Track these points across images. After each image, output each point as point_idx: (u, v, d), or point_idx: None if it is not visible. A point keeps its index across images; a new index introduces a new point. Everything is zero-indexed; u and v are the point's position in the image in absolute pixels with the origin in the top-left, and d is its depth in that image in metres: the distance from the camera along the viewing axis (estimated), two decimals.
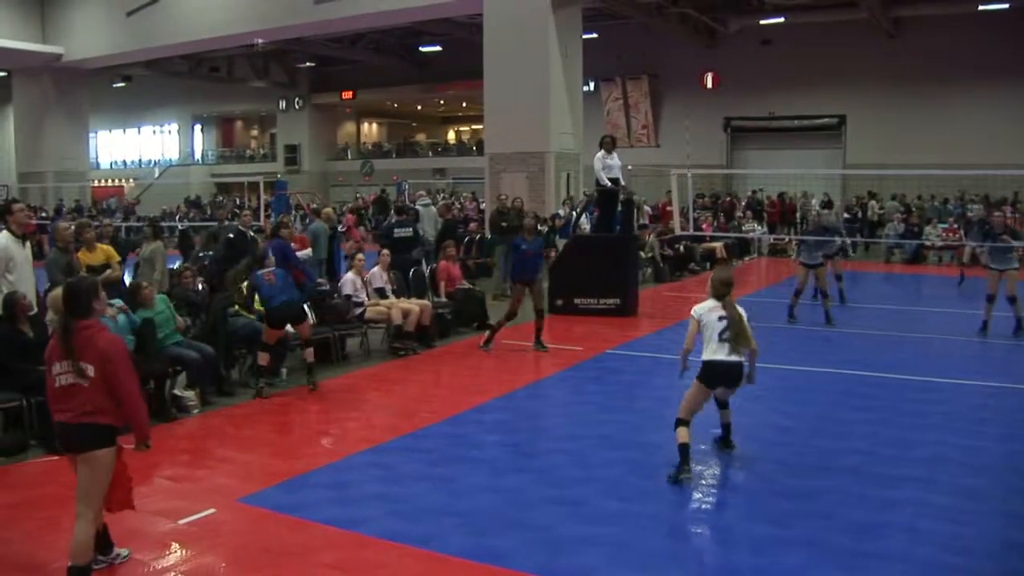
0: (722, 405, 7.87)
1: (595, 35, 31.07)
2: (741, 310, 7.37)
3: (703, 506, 6.76)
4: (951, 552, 5.82)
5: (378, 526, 6.17)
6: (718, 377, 7.33)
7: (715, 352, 7.26)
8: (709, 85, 34.58)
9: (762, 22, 31.99)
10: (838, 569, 5.56)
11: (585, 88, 27.50)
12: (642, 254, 19.57)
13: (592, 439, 8.29)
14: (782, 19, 31.31)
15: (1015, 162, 26.81)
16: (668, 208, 22.20)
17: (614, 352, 12.43)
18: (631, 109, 36.72)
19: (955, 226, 25.58)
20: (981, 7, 29.03)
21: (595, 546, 5.86)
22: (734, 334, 7.20)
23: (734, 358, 7.25)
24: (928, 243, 24.46)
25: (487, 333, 12.83)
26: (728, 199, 31.29)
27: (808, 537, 6.02)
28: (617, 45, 34.31)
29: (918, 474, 7.28)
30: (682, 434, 7.21)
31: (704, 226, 24.60)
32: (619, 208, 15.83)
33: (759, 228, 28.09)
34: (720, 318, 7.31)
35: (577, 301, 15.32)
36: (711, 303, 7.39)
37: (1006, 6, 28.71)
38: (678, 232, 19.58)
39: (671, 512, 6.56)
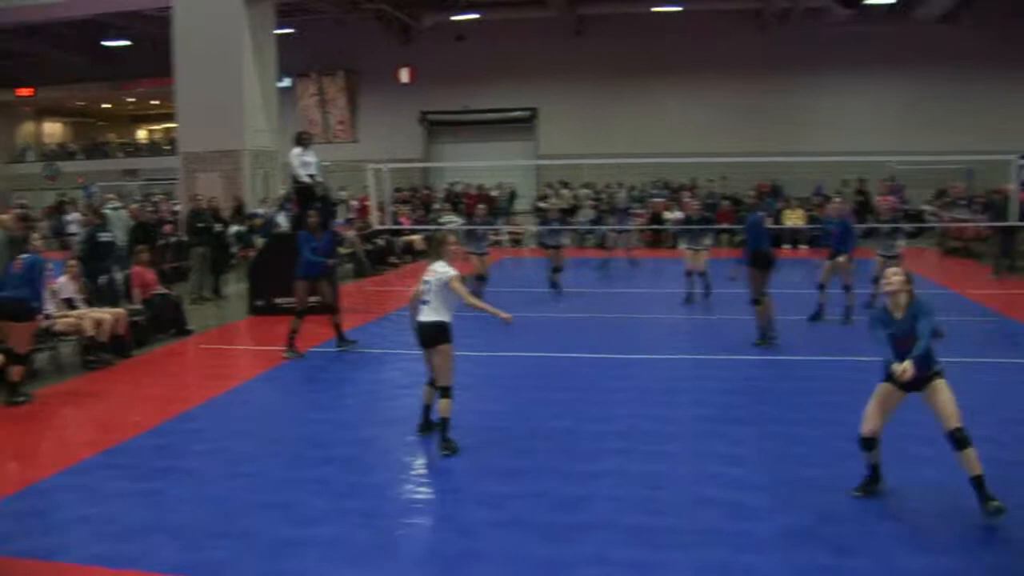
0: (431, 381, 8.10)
1: (290, 30, 30.65)
2: (448, 271, 7.77)
3: (416, 496, 6.93)
4: (649, 513, 6.37)
5: (82, 552, 5.87)
6: (418, 338, 7.86)
7: (416, 315, 7.84)
8: (405, 80, 35.02)
9: (455, 18, 32.82)
10: (550, 542, 5.92)
11: (280, 84, 27.02)
12: (342, 250, 19.61)
13: (301, 439, 8.29)
14: (475, 15, 32.28)
15: (695, 150, 29.22)
16: (367, 203, 22.36)
17: (319, 350, 12.39)
18: (328, 105, 36.48)
19: (642, 211, 27.62)
20: (654, 9, 31.57)
21: (310, 547, 5.89)
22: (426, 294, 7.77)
23: (426, 318, 7.75)
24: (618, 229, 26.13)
25: (288, 340, 12.01)
26: (426, 192, 31.91)
27: (520, 516, 6.35)
28: (313, 40, 33.96)
29: (618, 446, 7.89)
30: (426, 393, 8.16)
31: (403, 219, 24.98)
32: (317, 205, 15.77)
33: (457, 220, 28.84)
34: (424, 281, 7.83)
35: (279, 301, 15.09)
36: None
37: (677, 8, 31.34)
38: (377, 226, 19.78)
39: (384, 505, 6.68)
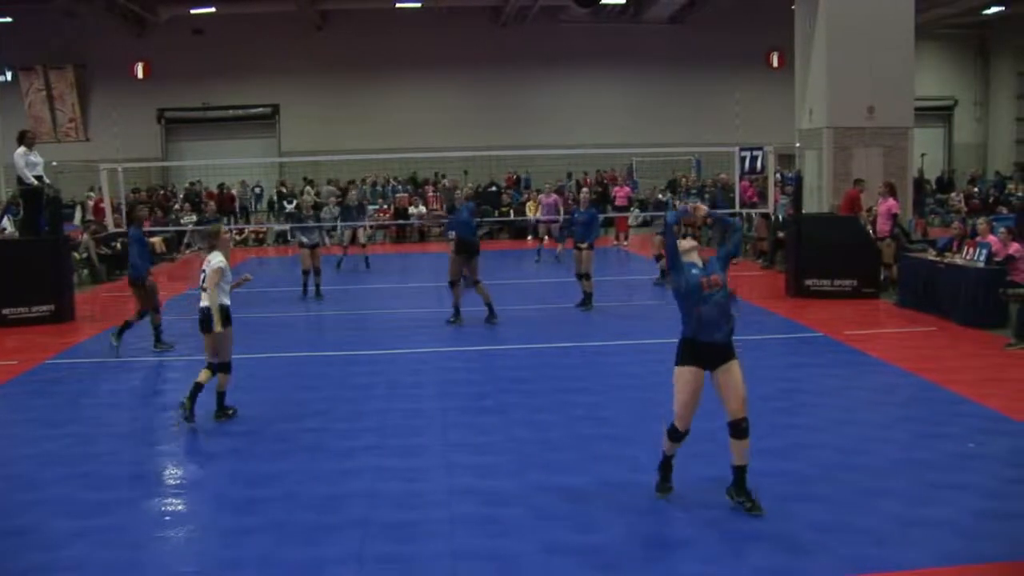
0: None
1: (9, 19, 28.53)
2: (215, 261, 8.51)
3: (166, 508, 6.69)
4: (404, 508, 6.44)
5: None
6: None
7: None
8: (140, 75, 33.44)
9: (193, 11, 31.63)
10: (305, 545, 5.88)
11: (1, 78, 25.11)
12: (76, 255, 18.52)
13: (37, 458, 7.78)
14: (213, 9, 31.21)
15: (439, 145, 29.54)
16: (101, 205, 21.19)
17: (53, 361, 11.69)
18: (56, 101, 34.13)
19: (385, 207, 27.76)
20: (398, 4, 31.77)
21: (52, 572, 5.58)
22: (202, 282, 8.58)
23: (202, 303, 8.56)
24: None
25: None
26: (163, 192, 30.63)
27: (274, 520, 6.27)
28: (38, 31, 31.69)
29: (370, 442, 7.91)
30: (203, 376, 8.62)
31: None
32: (44, 208, 14.84)
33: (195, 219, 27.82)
34: (201, 271, 8.68)
35: (6, 312, 14.06)
36: None
37: (419, 4, 31.58)
38: (112, 229, 18.81)
39: (133, 521, 6.40)
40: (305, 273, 16.49)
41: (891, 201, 15.83)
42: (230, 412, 8.78)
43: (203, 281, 8.58)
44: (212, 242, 8.78)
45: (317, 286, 16.53)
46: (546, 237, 22.98)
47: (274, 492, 6.81)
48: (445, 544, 5.86)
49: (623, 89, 34.53)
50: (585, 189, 18.71)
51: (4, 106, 23.96)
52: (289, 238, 27.91)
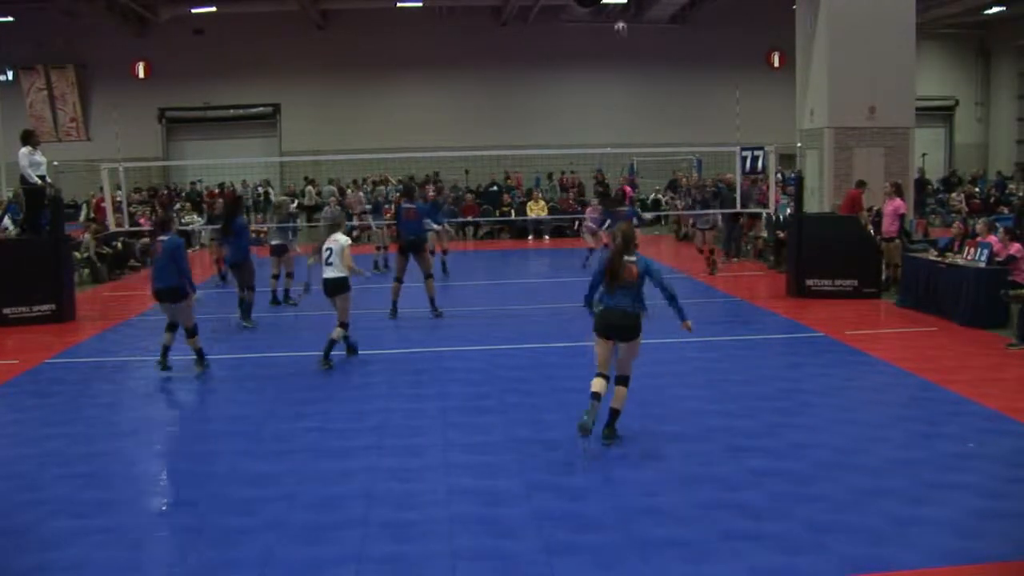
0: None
1: (11, 19, 28.55)
2: (343, 240, 10.77)
3: (165, 508, 6.71)
4: (404, 508, 6.45)
5: None
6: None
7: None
8: (141, 75, 33.46)
9: (194, 11, 31.60)
10: (305, 544, 5.89)
11: (2, 78, 25.12)
12: (77, 254, 18.54)
13: (37, 458, 7.79)
14: (213, 8, 31.20)
15: (438, 144, 29.45)
16: (102, 204, 21.19)
17: (54, 361, 11.69)
18: (57, 101, 34.12)
19: (387, 207, 27.72)
20: (399, 4, 31.76)
21: (52, 572, 5.59)
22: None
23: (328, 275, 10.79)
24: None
25: None
26: (166, 192, 30.63)
27: (273, 520, 6.28)
28: (39, 31, 31.73)
29: (368, 442, 7.92)
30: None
31: (142, 220, 23.86)
32: (45, 207, 14.88)
33: (199, 219, 27.82)
34: (327, 248, 10.84)
35: (7, 311, 14.07)
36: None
37: (420, 4, 31.59)
38: (113, 229, 18.82)
39: (132, 520, 6.41)
40: (274, 277, 15.59)
41: (898, 201, 15.82)
42: (330, 364, 10.66)
43: (329, 257, 10.70)
44: (338, 226, 11.20)
45: (286, 291, 15.55)
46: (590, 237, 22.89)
47: (274, 492, 6.82)
48: (445, 544, 5.86)
49: (624, 89, 34.54)
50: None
51: (5, 106, 23.94)
52: (290, 236, 27.93)
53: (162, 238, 10.60)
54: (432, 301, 14.01)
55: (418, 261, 13.95)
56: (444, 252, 19.38)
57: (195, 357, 10.75)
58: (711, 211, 19.01)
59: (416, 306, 14.26)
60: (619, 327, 7.58)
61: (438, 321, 13.76)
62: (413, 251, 13.88)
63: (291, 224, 17.65)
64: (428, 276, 14.03)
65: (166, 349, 10.72)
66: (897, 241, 15.74)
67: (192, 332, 10.65)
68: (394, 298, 14.03)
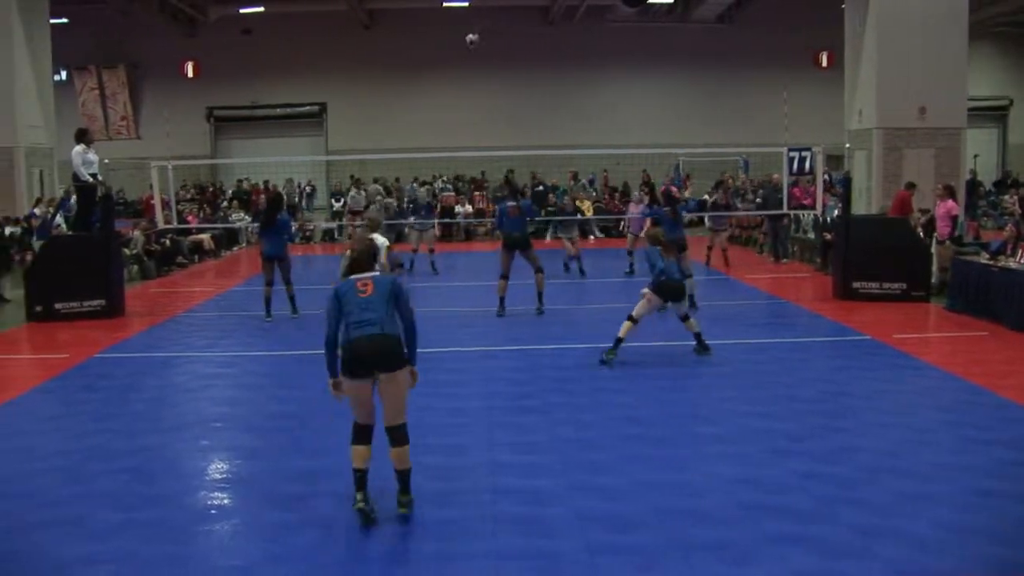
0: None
1: (65, 20, 29.01)
2: (380, 240, 10.64)
3: (209, 502, 6.74)
4: (448, 507, 6.39)
5: None
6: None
7: None
8: (190, 74, 33.87)
9: (242, 11, 31.96)
10: (349, 542, 5.92)
11: (56, 77, 25.53)
12: (127, 251, 18.82)
13: (86, 451, 7.90)
14: (261, 8, 31.53)
15: (483, 144, 29.49)
16: (151, 202, 21.49)
17: (103, 356, 11.86)
18: (108, 100, 34.66)
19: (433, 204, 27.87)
20: (446, 3, 31.86)
21: (98, 564, 5.65)
22: None
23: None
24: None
25: None
26: (212, 189, 30.98)
27: (317, 516, 6.32)
28: (91, 32, 32.26)
29: (412, 440, 7.82)
30: None
31: (189, 218, 24.18)
32: (97, 204, 15.12)
33: (247, 217, 28.14)
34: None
35: (59, 306, 14.34)
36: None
37: (466, 3, 31.68)
38: (162, 226, 19.08)
39: (176, 515, 6.47)
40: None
41: (950, 203, 15.58)
42: None
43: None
44: (373, 227, 11.40)
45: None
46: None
47: (318, 488, 6.86)
48: (488, 543, 5.87)
49: (670, 89, 34.36)
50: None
51: (59, 105, 24.34)
52: (336, 236, 28.21)
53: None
54: (540, 296, 14.15)
55: (526, 258, 14.06)
56: (431, 251, 19.80)
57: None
58: (728, 213, 19.07)
59: (471, 305, 14.26)
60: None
61: (484, 321, 13.77)
62: (519, 247, 14.02)
63: (395, 222, 18.14)
64: (539, 271, 14.07)
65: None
66: (949, 244, 15.50)
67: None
68: (501, 295, 14.06)
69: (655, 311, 10.92)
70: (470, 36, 24.90)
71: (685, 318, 10.70)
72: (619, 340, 10.50)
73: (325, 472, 7.20)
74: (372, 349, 6.14)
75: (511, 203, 14.31)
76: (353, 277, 6.43)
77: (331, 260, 18.48)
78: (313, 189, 32.11)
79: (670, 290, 10.39)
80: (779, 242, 20.38)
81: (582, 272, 18.40)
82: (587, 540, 5.85)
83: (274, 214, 14.13)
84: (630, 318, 10.48)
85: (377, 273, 6.56)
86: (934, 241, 15.91)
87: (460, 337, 12.64)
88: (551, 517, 6.25)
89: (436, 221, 22.83)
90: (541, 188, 28.74)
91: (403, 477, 6.34)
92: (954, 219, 15.64)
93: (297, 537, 6.02)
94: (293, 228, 17.19)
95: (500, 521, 6.20)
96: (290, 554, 5.78)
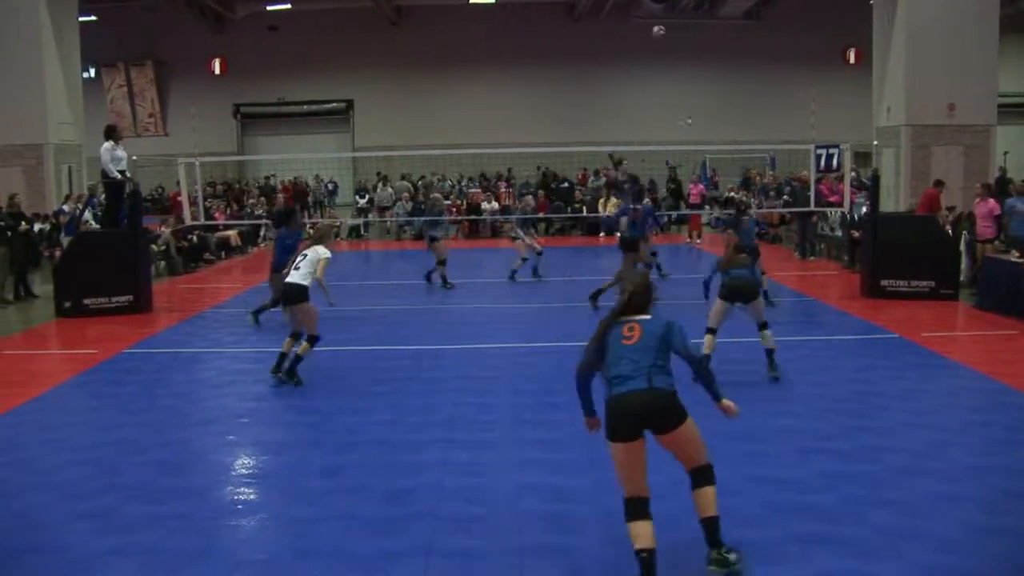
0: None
1: (94, 18, 29.27)
2: (323, 251, 9.89)
3: (236, 497, 6.79)
4: (475, 504, 6.45)
5: None
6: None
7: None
8: (217, 71, 34.08)
9: (269, 8, 32.17)
10: (375, 536, 5.93)
11: (85, 75, 25.75)
12: (155, 247, 18.94)
13: (114, 444, 7.98)
14: (288, 5, 31.70)
15: (510, 140, 29.57)
16: (178, 198, 21.63)
17: (131, 351, 11.96)
18: (136, 96, 34.99)
19: (458, 202, 27.95)
20: (472, 0, 31.84)
21: (125, 556, 5.69)
22: None
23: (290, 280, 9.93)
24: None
25: None
26: (239, 186, 31.15)
27: (343, 511, 6.34)
28: (119, 29, 32.57)
29: (439, 436, 7.97)
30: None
31: (217, 215, 24.30)
32: (125, 201, 15.24)
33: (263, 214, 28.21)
34: (303, 254, 10.03)
35: (87, 302, 14.48)
36: None
37: (492, 0, 31.70)
38: (189, 223, 19.19)
39: (203, 508, 6.51)
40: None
41: (991, 202, 15.37)
42: (295, 381, 9.76)
43: (299, 262, 9.85)
44: (322, 238, 10.25)
45: (443, 277, 16.63)
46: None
47: (343, 483, 6.88)
48: (512, 540, 5.87)
49: (697, 85, 34.29)
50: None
51: (88, 102, 24.53)
52: (362, 232, 28.32)
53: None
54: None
55: (633, 259, 14.34)
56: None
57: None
58: (727, 212, 19.09)
59: (491, 302, 14.26)
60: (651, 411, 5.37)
61: (513, 318, 13.77)
62: (628, 249, 14.37)
63: (442, 218, 18.17)
64: (648, 267, 14.62)
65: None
66: (995, 243, 15.24)
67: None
68: (603, 288, 14.04)
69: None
70: (657, 28, 24.88)
71: (763, 326, 9.88)
72: (706, 357, 9.27)
73: (349, 467, 7.23)
74: (640, 407, 5.27)
75: (635, 206, 14.58)
76: (623, 319, 5.44)
77: (357, 256, 18.51)
78: (336, 186, 32.22)
79: (734, 289, 9.81)
80: (806, 239, 20.27)
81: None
82: (612, 537, 5.83)
83: (280, 227, 14.04)
84: (709, 330, 9.87)
85: (648, 317, 5.47)
86: (963, 238, 15.74)
87: (487, 334, 12.67)
88: (576, 514, 6.25)
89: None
90: (566, 185, 28.71)
91: (708, 526, 5.40)
92: (996, 218, 15.42)
93: (321, 532, 6.04)
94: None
95: (526, 517, 6.20)
96: (314, 548, 5.80)
